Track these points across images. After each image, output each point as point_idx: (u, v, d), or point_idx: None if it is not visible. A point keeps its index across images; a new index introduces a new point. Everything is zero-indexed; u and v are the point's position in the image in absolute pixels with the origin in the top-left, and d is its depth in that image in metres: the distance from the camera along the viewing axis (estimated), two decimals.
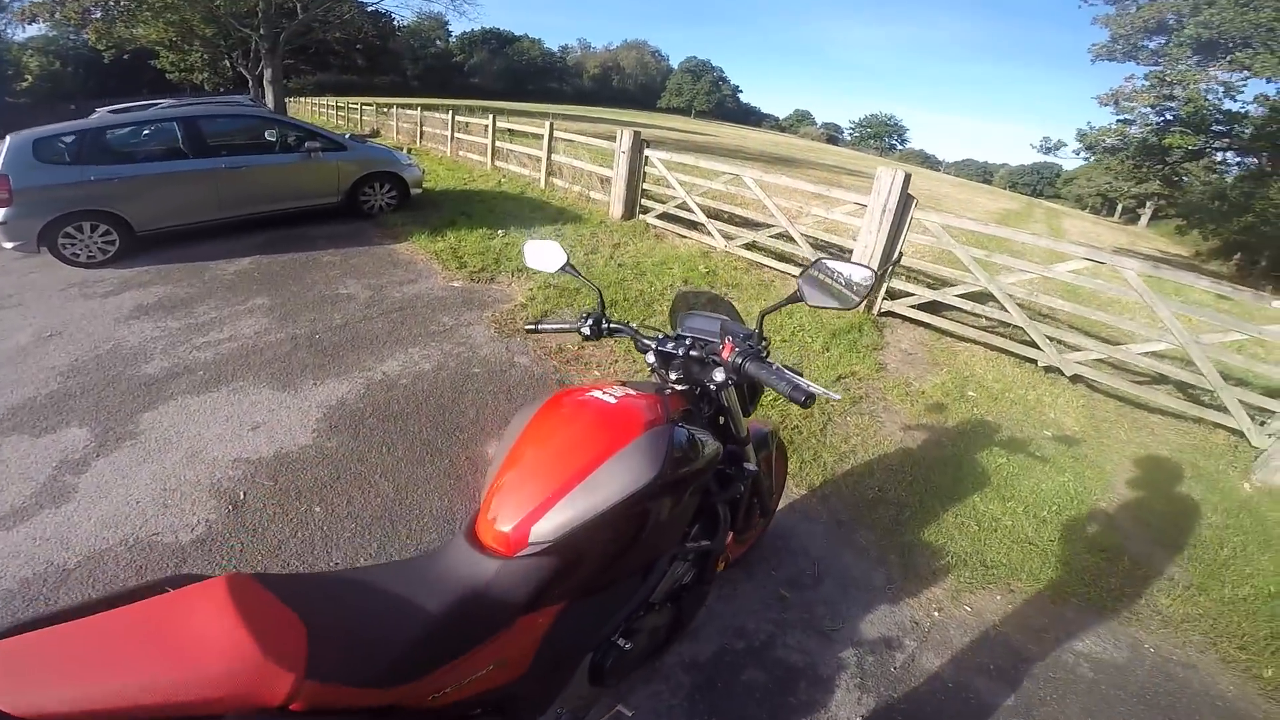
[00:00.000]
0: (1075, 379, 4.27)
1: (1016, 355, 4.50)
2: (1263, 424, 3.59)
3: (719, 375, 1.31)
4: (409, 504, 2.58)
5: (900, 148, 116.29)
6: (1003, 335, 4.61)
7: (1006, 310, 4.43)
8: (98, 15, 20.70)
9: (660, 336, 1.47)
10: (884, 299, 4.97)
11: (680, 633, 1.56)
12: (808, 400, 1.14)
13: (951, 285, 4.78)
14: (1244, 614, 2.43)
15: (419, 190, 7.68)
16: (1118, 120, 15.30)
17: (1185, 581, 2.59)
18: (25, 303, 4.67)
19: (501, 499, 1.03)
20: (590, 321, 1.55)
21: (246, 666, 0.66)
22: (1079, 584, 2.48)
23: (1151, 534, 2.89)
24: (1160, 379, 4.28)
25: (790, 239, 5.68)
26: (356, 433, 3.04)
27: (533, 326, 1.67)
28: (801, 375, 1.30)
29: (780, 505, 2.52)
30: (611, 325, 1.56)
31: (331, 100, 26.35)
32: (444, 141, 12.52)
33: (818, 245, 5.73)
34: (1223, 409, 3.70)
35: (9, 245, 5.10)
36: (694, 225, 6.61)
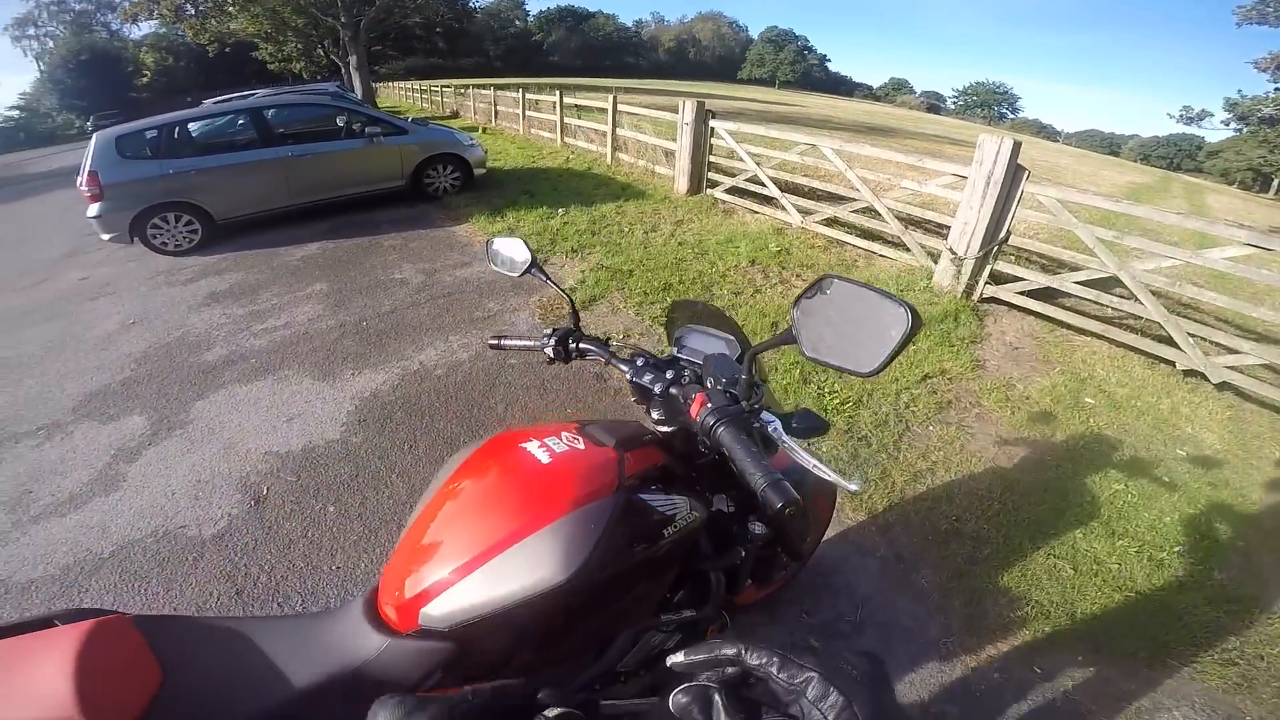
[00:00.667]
0: (1223, 386, 3.41)
1: (1149, 355, 3.68)
2: None
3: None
4: None
5: (1011, 117, 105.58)
6: (1133, 330, 3.79)
7: (1140, 301, 3.61)
8: (191, 11, 22.25)
9: (639, 360, 1.11)
10: (987, 283, 4.25)
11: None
12: (786, 506, 0.72)
13: (1073, 270, 3.98)
14: None
15: (483, 170, 7.60)
16: (1277, 88, 12.71)
17: None
18: (119, 290, 5.00)
19: (399, 565, 0.86)
20: (554, 340, 1.22)
21: None
22: (1187, 642, 1.93)
23: None
24: None
25: (876, 213, 5.02)
26: (383, 428, 2.91)
27: (495, 342, 1.36)
28: (816, 431, 0.96)
29: (828, 534, 2.08)
30: (582, 345, 1.22)
31: (416, 84, 27.27)
32: (517, 120, 12.52)
33: (909, 221, 5.02)
34: None
35: (106, 237, 5.51)
36: (767, 200, 6.06)
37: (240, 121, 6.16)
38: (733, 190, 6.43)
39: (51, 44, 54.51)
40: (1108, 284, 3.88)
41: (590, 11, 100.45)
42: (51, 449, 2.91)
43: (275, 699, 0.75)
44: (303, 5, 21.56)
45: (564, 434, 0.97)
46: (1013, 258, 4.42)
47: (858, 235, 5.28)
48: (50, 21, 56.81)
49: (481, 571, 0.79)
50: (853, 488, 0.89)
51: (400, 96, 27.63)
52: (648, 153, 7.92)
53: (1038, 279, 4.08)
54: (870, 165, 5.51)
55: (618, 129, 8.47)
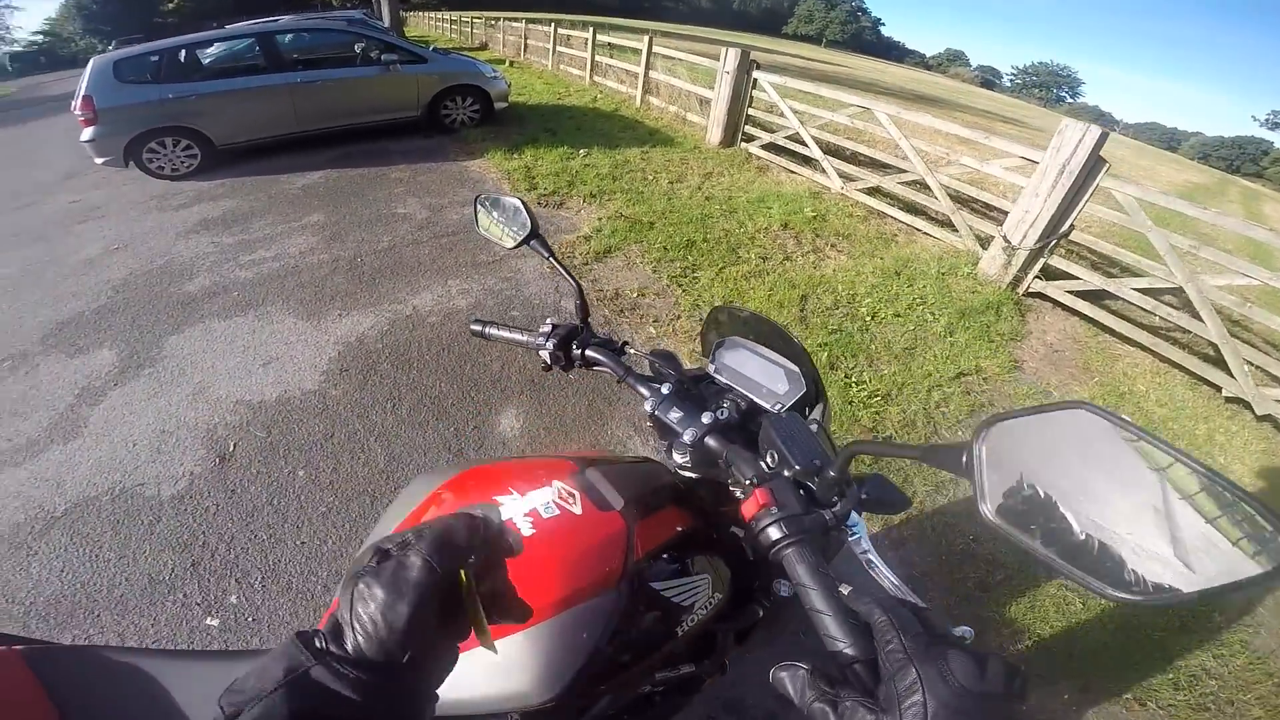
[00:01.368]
0: (1264, 418, 3.05)
1: (1193, 375, 3.32)
2: None
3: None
4: (396, 478, 2.16)
5: (1070, 100, 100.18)
6: (1180, 345, 3.41)
7: (1200, 319, 3.22)
8: None
9: (665, 386, 0.82)
10: (1036, 276, 3.83)
11: None
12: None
13: (1134, 275, 3.54)
14: None
15: (504, 104, 7.13)
16: None
17: None
18: (108, 214, 4.74)
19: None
20: (553, 341, 0.93)
21: None
22: (1170, 686, 1.77)
23: None
24: None
25: (926, 188, 4.55)
26: (365, 380, 2.65)
27: (479, 329, 1.04)
28: (891, 508, 0.64)
29: None
30: (589, 353, 0.92)
31: (447, 14, 26.14)
32: (546, 55, 11.86)
33: (959, 199, 4.55)
34: None
35: (99, 161, 5.26)
36: (806, 161, 5.60)
37: (249, 46, 5.81)
38: (769, 146, 5.97)
39: None
40: (1161, 292, 3.46)
41: None
42: (14, 384, 2.70)
43: None
44: None
45: (555, 484, 0.71)
46: (1065, 252, 3.96)
47: (901, 208, 4.84)
48: None
49: None
50: (968, 632, 0.52)
51: (430, 26, 26.60)
52: (680, 99, 7.38)
53: (1092, 279, 3.66)
54: (927, 136, 5.00)
55: (650, 71, 7.89)
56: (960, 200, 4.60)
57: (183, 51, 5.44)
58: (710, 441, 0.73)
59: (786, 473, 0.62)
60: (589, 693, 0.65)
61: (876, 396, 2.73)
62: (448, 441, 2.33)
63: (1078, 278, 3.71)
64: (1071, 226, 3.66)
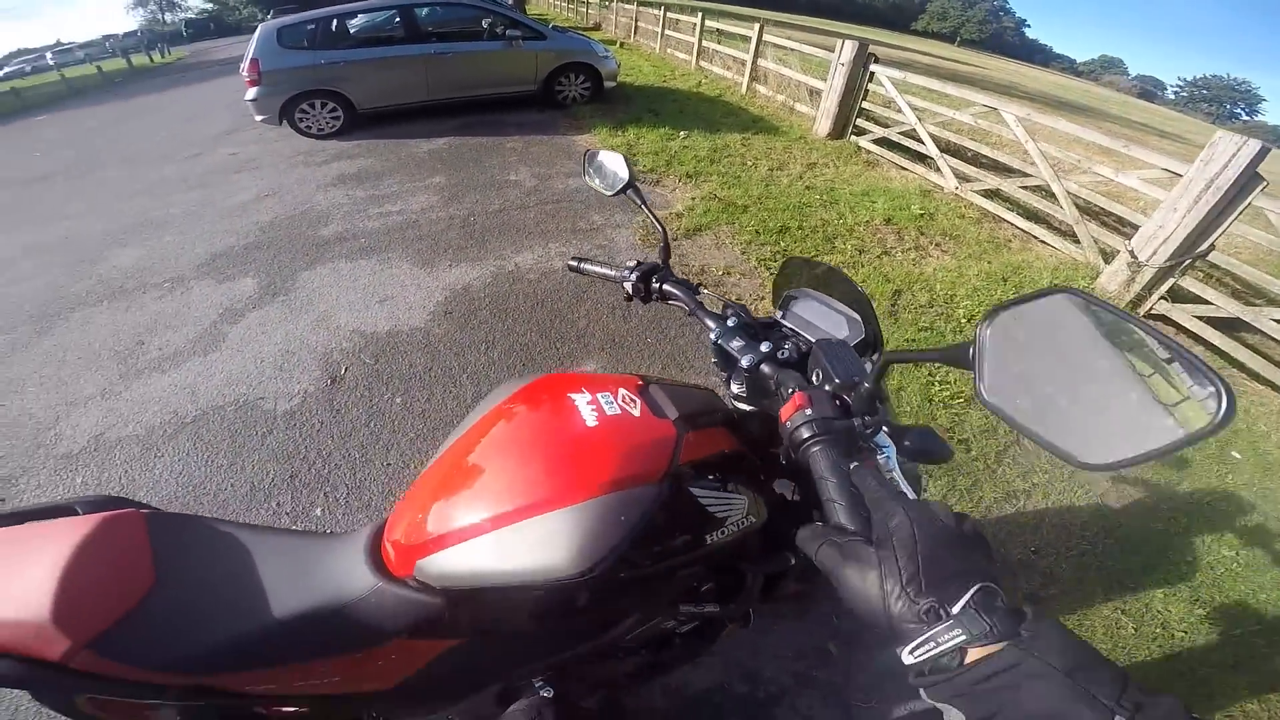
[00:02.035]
0: None
1: None
2: None
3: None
4: None
5: (1245, 118, 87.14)
6: None
7: None
8: None
9: (730, 318, 0.88)
10: (1162, 297, 3.46)
11: (641, 683, 1.11)
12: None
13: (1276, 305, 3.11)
14: None
15: (613, 83, 7.32)
16: None
17: None
18: (262, 166, 5.38)
19: (411, 505, 0.76)
20: (636, 275, 1.03)
21: (31, 617, 0.62)
22: None
23: None
24: None
25: (1050, 195, 4.22)
26: (465, 324, 2.89)
27: (575, 264, 1.18)
28: (934, 458, 0.67)
29: None
30: (666, 287, 1.01)
31: None
32: (655, 38, 11.96)
33: (1088, 210, 4.18)
34: None
35: (259, 118, 5.94)
36: (921, 158, 5.35)
37: (392, 18, 6.28)
38: (881, 141, 5.73)
39: None
40: None
41: None
42: (170, 302, 3.17)
43: (253, 625, 0.71)
44: None
45: (620, 391, 0.79)
46: (1202, 275, 3.54)
47: (1020, 214, 4.51)
48: None
49: (488, 538, 0.67)
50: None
51: (548, 4, 27.36)
52: (789, 88, 7.22)
53: (1228, 305, 3.25)
54: (1059, 142, 4.61)
55: (760, 59, 7.77)
56: (1089, 212, 4.23)
57: (334, 21, 5.98)
58: (765, 368, 0.78)
59: (827, 386, 0.68)
60: (615, 586, 0.69)
61: (959, 399, 2.63)
62: None
63: (1210, 303, 3.32)
64: (1211, 246, 3.28)
